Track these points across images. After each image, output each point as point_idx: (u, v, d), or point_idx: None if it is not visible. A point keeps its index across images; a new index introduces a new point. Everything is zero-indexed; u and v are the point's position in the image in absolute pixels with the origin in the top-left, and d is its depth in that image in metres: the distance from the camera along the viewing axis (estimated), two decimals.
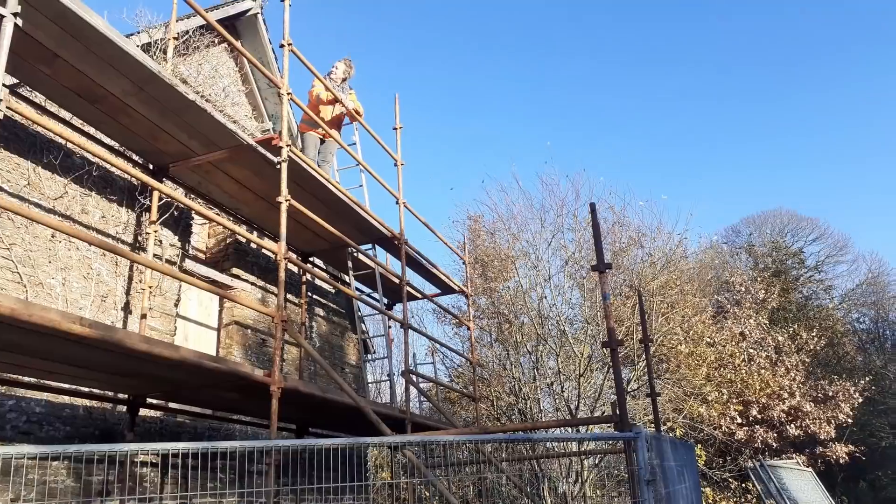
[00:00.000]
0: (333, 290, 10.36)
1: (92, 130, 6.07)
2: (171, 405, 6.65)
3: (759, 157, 54.02)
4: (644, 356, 9.83)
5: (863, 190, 51.43)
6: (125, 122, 5.79)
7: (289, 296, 9.07)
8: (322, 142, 8.95)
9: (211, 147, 6.36)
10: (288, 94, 6.66)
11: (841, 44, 50.71)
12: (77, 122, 5.99)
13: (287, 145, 6.24)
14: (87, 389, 5.73)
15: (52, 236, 5.78)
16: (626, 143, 56.09)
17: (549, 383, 13.57)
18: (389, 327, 9.98)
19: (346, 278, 9.38)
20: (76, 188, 6.12)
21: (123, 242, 6.52)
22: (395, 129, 8.98)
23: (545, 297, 14.11)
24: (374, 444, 5.52)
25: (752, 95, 53.65)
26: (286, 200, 6.06)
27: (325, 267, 10.17)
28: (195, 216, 7.78)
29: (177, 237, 7.37)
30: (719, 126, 55.24)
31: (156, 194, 6.47)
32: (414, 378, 9.06)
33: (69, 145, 6.00)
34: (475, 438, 5.47)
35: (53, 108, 5.80)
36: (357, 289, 9.66)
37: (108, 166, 6.37)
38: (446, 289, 11.21)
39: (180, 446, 3.52)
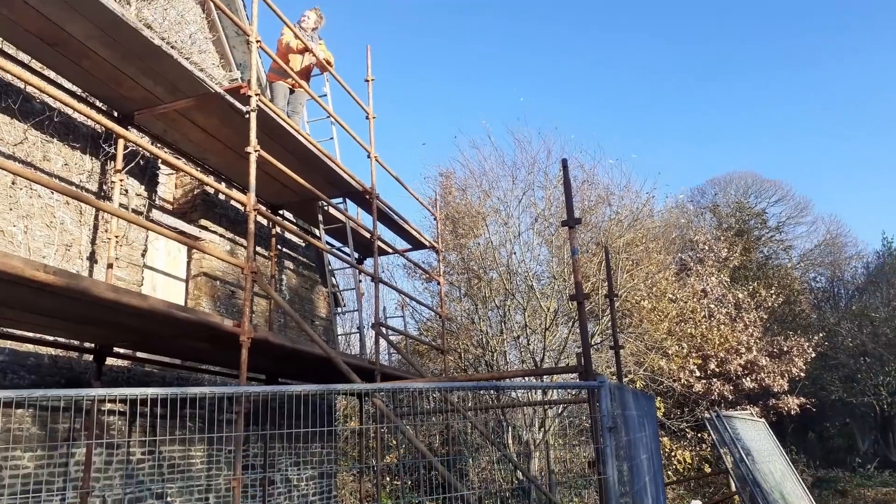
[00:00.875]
0: (303, 244, 10.33)
1: (53, 75, 5.89)
2: (139, 355, 6.64)
3: (726, 119, 54.52)
4: (608, 311, 10.06)
5: (825, 154, 52.43)
6: (87, 66, 5.62)
7: (258, 248, 9.02)
8: (291, 91, 8.78)
9: (177, 95, 6.23)
10: (257, 41, 6.50)
11: (808, 12, 50.94)
12: (36, 65, 5.80)
13: (256, 94, 6.12)
14: (52, 338, 5.69)
15: (13, 183, 5.64)
16: (598, 101, 56.05)
17: (515, 337, 13.84)
18: (360, 281, 10.03)
19: (317, 232, 9.35)
20: (37, 134, 5.95)
21: (87, 191, 6.39)
22: (367, 81, 8.85)
23: (514, 254, 14.28)
24: (345, 392, 5.61)
25: (722, 61, 53.83)
26: (255, 151, 5.98)
27: (294, 220, 10.11)
28: (162, 166, 7.64)
29: (143, 187, 7.24)
30: (690, 88, 55.47)
31: (121, 142, 6.33)
32: (384, 331, 9.16)
33: (29, 89, 5.81)
34: (444, 386, 5.60)
35: (11, 50, 5.61)
36: (327, 242, 9.65)
37: (70, 112, 6.19)
38: (417, 244, 11.26)
39: (149, 392, 3.54)
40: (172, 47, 7.19)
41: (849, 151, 51.06)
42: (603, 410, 4.38)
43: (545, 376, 10.27)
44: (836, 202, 51.35)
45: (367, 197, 8.65)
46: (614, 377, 10.10)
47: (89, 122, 6.44)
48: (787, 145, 53.01)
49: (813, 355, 18.95)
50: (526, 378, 9.29)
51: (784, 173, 55.91)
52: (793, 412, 18.87)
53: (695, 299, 17.09)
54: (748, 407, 17.31)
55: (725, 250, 20.56)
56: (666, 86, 55.91)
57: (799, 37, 51.45)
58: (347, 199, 9.21)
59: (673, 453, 16.58)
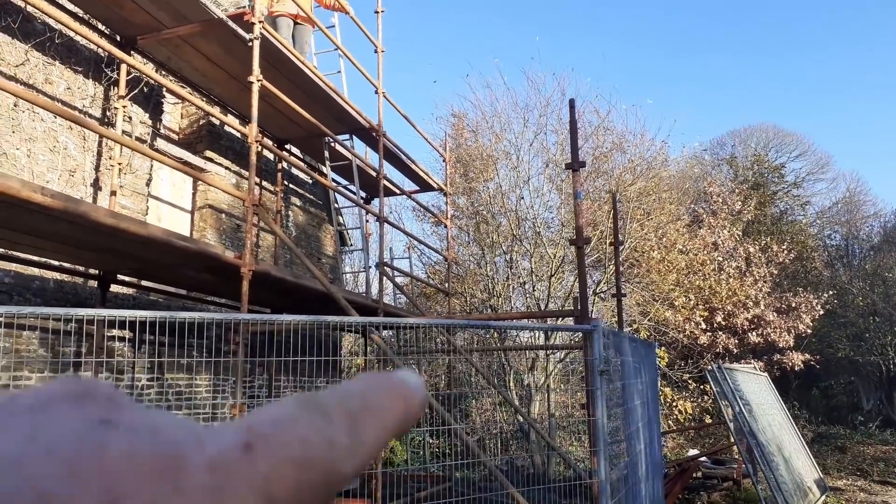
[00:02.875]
0: (310, 181, 10.28)
1: None
2: (145, 284, 6.71)
3: (749, 70, 53.05)
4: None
5: (850, 109, 51.07)
6: None
7: (264, 183, 8.99)
8: (296, 24, 8.48)
9: (180, 20, 6.11)
10: None
11: None
12: None
13: (259, 22, 5.98)
14: (56, 263, 5.74)
15: (15, 105, 5.60)
16: (616, 43, 54.61)
17: (521, 283, 13.85)
18: (367, 221, 10.01)
19: (323, 169, 9.29)
20: (38, 56, 5.87)
21: (90, 116, 6.34)
22: (377, 12, 8.62)
23: (523, 199, 14.17)
24: (338, 324, 5.66)
25: (747, 12, 52.04)
26: (258, 81, 5.88)
27: (301, 156, 10.03)
28: (167, 94, 7.55)
29: (147, 115, 7.18)
30: (713, 37, 53.81)
31: (124, 67, 6.25)
32: (389, 272, 9.19)
33: (29, 8, 5.71)
34: (437, 323, 5.62)
35: None
36: (334, 180, 9.59)
37: (72, 34, 6.09)
38: (425, 186, 11.17)
39: (147, 314, 3.58)
40: None
41: (876, 107, 49.68)
42: (595, 354, 4.38)
43: (545, 318, 10.31)
44: (858, 159, 50.35)
45: (374, 134, 8.53)
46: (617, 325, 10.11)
47: (92, 46, 6.35)
48: (812, 98, 51.68)
49: (821, 312, 18.87)
50: (526, 320, 9.32)
51: (807, 127, 54.65)
52: (797, 368, 18.91)
53: (705, 251, 16.96)
54: (752, 361, 17.36)
55: (739, 203, 20.30)
56: (690, 30, 54.30)
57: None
58: (354, 137, 9.10)
59: (675, 403, 16.75)
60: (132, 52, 6.38)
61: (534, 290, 13.43)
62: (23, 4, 5.61)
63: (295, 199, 9.98)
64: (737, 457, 12.29)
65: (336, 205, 10.59)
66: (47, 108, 4.43)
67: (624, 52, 53.92)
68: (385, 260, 8.49)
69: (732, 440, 12.84)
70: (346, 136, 9.09)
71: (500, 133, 14.98)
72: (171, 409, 7.01)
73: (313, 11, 8.64)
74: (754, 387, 13.35)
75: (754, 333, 17.60)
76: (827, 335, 22.64)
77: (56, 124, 5.95)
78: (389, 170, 9.91)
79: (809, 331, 18.65)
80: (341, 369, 11.39)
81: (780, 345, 18.09)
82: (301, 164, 9.39)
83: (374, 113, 8.47)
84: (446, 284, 11.27)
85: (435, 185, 11.08)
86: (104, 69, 6.45)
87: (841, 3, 49.11)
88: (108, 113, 6.56)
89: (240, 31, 6.06)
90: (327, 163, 8.93)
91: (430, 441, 13.28)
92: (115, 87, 6.41)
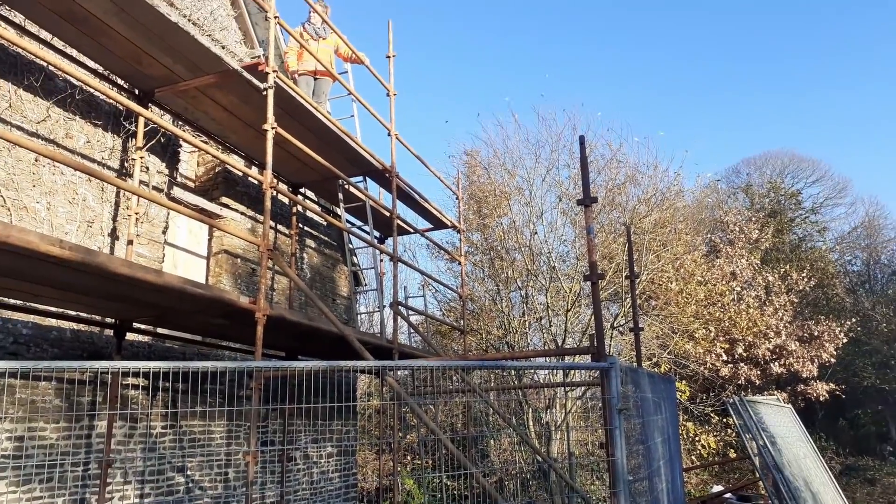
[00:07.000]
0: (325, 223, 10.37)
1: (75, 53, 5.95)
2: (160, 331, 6.75)
3: (762, 98, 53.15)
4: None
5: (868, 132, 50.86)
6: (107, 43, 5.67)
7: (280, 227, 9.08)
8: (315, 78, 8.76)
9: (196, 72, 6.25)
10: (275, 17, 6.49)
11: None
12: (59, 43, 5.86)
13: (273, 71, 6.12)
14: (73, 313, 5.81)
15: (36, 160, 5.74)
16: (625, 78, 55.05)
17: (538, 318, 13.78)
18: (381, 261, 10.06)
19: (337, 210, 9.37)
20: (59, 111, 6.03)
21: (109, 168, 6.48)
22: (388, 57, 8.79)
23: (537, 234, 14.17)
24: (351, 369, 5.65)
25: (758, 36, 52.38)
26: (272, 128, 5.99)
27: (316, 199, 10.14)
28: (183, 143, 7.70)
29: (164, 164, 7.31)
30: (725, 64, 54.14)
31: (141, 119, 6.40)
32: (404, 311, 9.18)
33: (51, 68, 5.89)
34: (449, 364, 5.59)
35: (33, 28, 5.67)
36: (348, 221, 9.67)
37: (91, 90, 6.26)
38: (439, 224, 11.22)
39: (161, 365, 3.60)
40: (193, 24, 7.24)
41: (893, 129, 49.43)
42: (612, 392, 4.33)
43: (560, 356, 10.21)
44: (877, 183, 49.87)
45: (388, 175, 8.63)
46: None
47: (111, 100, 6.51)
48: (827, 123, 51.56)
49: (844, 340, 18.53)
50: (544, 359, 9.24)
51: (823, 152, 54.26)
52: (821, 398, 18.53)
53: (723, 282, 16.79)
54: (775, 392, 17.03)
55: (757, 231, 20.15)
56: (699, 61, 54.67)
57: (840, 14, 49.79)
58: (368, 178, 9.20)
59: (697, 438, 16.43)
60: (150, 104, 6.54)
61: (550, 325, 13.34)
62: (45, 64, 5.78)
63: (310, 242, 10.06)
64: (763, 492, 11.98)
65: (350, 245, 10.65)
66: (66, 164, 4.52)
67: (635, 85, 54.34)
68: (399, 299, 8.50)
69: (758, 475, 12.52)
70: (360, 178, 9.20)
71: (512, 169, 15.08)
72: (185, 456, 6.99)
73: (333, 65, 8.86)
74: (778, 419, 13.07)
75: (777, 364, 17.31)
76: (851, 363, 22.19)
77: (76, 176, 6.08)
78: (403, 209, 9.99)
79: (833, 359, 18.31)
80: (357, 412, 11.32)
81: (804, 375, 17.77)
82: (315, 207, 9.49)
83: (387, 154, 8.60)
84: (461, 322, 11.23)
85: (448, 223, 11.13)
86: (123, 122, 6.61)
87: (854, 26, 49.32)
88: (126, 164, 6.69)
89: (254, 80, 6.20)
90: (341, 204, 9.01)
91: (448, 484, 13.10)
92: (134, 139, 6.56)
